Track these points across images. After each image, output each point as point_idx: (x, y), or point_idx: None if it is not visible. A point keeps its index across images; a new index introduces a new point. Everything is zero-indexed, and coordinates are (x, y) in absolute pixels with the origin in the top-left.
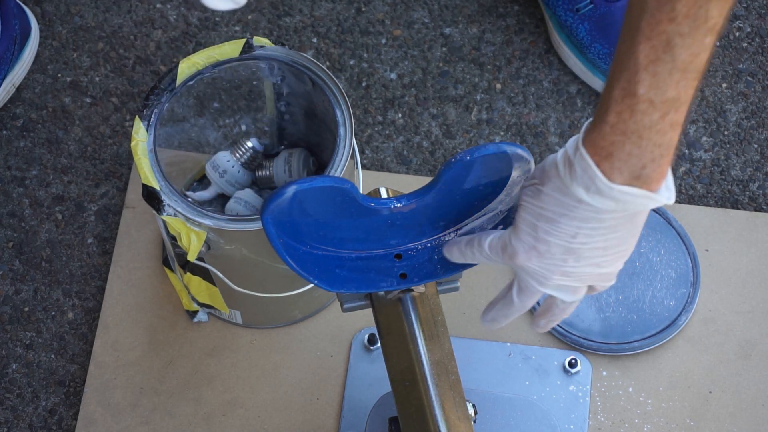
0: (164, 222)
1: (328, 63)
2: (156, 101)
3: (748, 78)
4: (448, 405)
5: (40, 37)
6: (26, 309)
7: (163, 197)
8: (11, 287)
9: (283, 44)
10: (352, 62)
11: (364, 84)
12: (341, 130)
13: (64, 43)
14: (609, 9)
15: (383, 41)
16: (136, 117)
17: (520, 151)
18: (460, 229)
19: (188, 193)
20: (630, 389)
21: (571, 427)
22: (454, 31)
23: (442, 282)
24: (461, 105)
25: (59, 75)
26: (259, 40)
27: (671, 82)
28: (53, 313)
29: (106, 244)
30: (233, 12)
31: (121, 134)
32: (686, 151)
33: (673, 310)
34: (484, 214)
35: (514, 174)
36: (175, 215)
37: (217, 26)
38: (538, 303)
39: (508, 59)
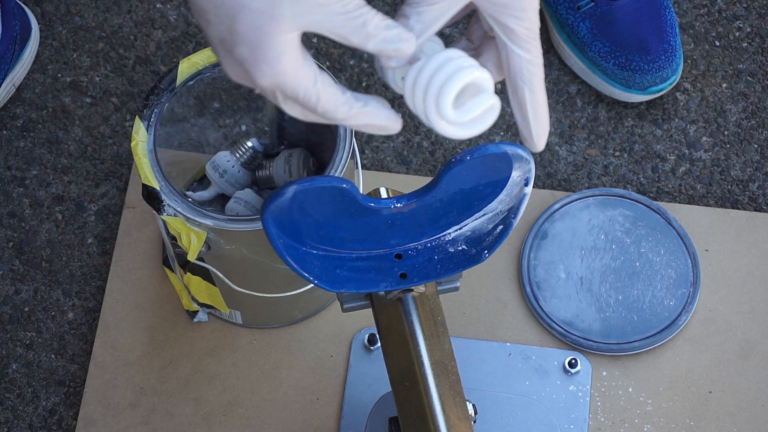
0: (164, 222)
1: (328, 63)
2: (156, 101)
3: (748, 78)
4: (448, 405)
5: (40, 37)
6: (26, 309)
7: (163, 197)
8: (11, 287)
9: None
10: (352, 62)
11: (364, 84)
12: (341, 129)
13: (64, 43)
14: (610, 7)
15: None
16: (136, 117)
17: (520, 151)
18: (460, 228)
19: (188, 193)
20: (630, 389)
21: (571, 427)
22: (453, 31)
23: (442, 282)
24: None
25: (59, 75)
26: None
27: None
28: (53, 313)
29: (106, 244)
30: None
31: (121, 134)
32: (686, 151)
33: (673, 310)
34: (484, 214)
35: (514, 174)
36: (175, 215)
37: None
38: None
39: None
